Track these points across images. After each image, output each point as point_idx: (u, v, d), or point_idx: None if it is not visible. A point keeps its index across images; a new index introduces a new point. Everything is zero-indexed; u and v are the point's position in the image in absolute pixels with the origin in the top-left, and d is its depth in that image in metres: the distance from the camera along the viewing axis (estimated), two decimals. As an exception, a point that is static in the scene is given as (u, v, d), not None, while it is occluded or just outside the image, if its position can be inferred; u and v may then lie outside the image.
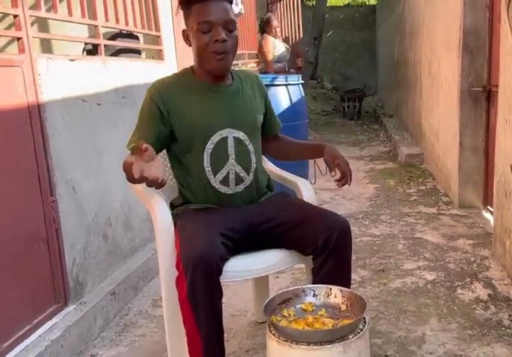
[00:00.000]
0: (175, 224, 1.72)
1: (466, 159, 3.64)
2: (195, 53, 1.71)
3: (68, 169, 2.14)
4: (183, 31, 1.74)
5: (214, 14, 1.63)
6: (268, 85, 3.28)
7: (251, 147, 1.77)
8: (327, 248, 1.60)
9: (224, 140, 1.71)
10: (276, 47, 5.76)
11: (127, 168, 1.41)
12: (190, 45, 1.72)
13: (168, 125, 1.70)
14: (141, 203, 2.61)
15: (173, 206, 1.84)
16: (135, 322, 2.29)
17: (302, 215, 1.70)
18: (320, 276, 1.62)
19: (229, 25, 1.65)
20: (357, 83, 11.57)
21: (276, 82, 3.90)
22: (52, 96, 2.05)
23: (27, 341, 1.81)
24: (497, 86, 2.82)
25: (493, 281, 2.54)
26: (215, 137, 1.70)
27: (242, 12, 5.44)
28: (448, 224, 3.41)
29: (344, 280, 1.65)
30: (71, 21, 2.29)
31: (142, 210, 2.76)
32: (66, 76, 2.18)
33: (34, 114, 1.93)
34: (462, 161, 3.65)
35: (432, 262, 2.80)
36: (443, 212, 3.68)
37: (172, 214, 1.74)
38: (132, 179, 1.39)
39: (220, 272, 1.50)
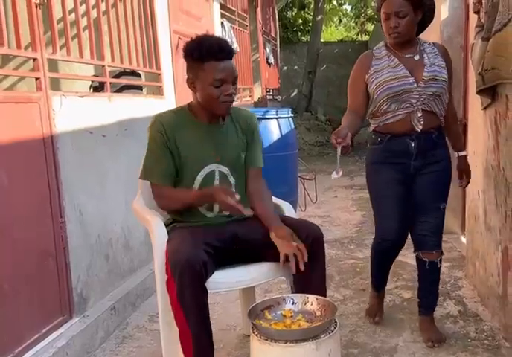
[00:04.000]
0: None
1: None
2: (202, 100, 1.95)
3: (75, 194, 2.38)
4: (187, 79, 1.96)
5: (227, 72, 1.89)
6: (260, 119, 3.56)
7: (232, 180, 2.06)
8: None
9: (211, 173, 2.01)
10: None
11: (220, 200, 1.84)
12: (196, 92, 1.96)
13: (172, 154, 1.98)
14: (139, 227, 2.88)
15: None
16: (132, 335, 2.49)
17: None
18: (298, 279, 1.87)
19: (235, 80, 1.94)
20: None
21: (267, 116, 4.20)
22: (63, 128, 2.31)
23: (36, 348, 2.01)
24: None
25: (464, 299, 2.75)
26: (204, 171, 1.99)
27: (238, 49, 5.77)
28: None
29: (320, 282, 1.91)
30: (82, 62, 2.56)
31: (140, 233, 2.99)
32: (76, 111, 2.44)
33: (48, 145, 2.18)
34: (441, 189, 3.88)
35: (410, 282, 3.01)
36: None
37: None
38: (225, 206, 1.87)
39: (205, 275, 1.74)
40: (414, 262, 3.29)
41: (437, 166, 2.28)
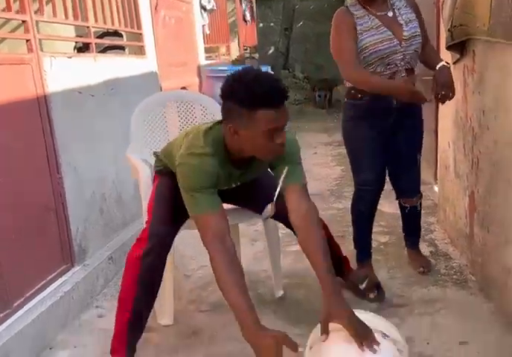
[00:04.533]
0: (155, 177, 2.13)
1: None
2: (247, 148, 1.69)
3: (69, 152, 2.49)
4: (226, 123, 1.66)
5: (282, 119, 1.62)
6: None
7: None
8: None
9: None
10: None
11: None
12: (236, 137, 1.66)
13: None
14: (129, 182, 3.02)
15: (156, 157, 2.18)
16: (130, 282, 2.67)
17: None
18: None
19: (286, 124, 1.66)
20: (328, 73, 11.97)
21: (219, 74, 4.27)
22: (55, 89, 2.40)
23: (44, 293, 2.18)
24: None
25: (436, 241, 2.99)
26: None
27: (215, 8, 5.77)
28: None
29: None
30: (68, 24, 2.63)
31: (131, 187, 3.13)
32: (65, 71, 2.52)
33: (42, 105, 2.28)
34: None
35: (386, 228, 3.23)
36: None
37: (155, 164, 2.16)
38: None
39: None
40: (389, 210, 3.56)
41: (412, 121, 2.44)
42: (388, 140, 2.42)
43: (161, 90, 3.95)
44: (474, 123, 2.40)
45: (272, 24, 13.50)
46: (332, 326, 1.53)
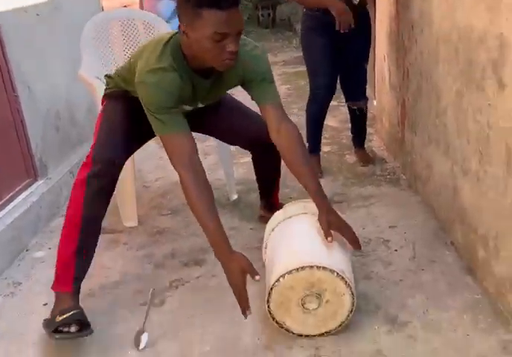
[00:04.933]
0: (102, 101, 2.08)
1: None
2: (196, 52, 1.62)
3: (22, 71, 2.53)
4: (179, 26, 1.62)
5: (232, 25, 1.53)
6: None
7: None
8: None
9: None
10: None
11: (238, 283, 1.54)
12: (187, 39, 1.61)
13: None
14: (81, 102, 3.11)
15: (108, 78, 2.10)
16: (92, 194, 2.84)
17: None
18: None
19: (241, 33, 1.59)
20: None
21: None
22: (2, 7, 2.40)
23: (13, 203, 2.33)
24: None
25: (373, 148, 3.28)
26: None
27: None
28: (345, 112, 4.07)
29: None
30: None
31: (84, 106, 3.21)
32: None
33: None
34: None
35: (329, 140, 3.49)
36: (342, 103, 4.35)
37: (107, 89, 2.07)
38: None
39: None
40: (333, 124, 3.82)
41: (362, 33, 2.78)
42: (339, 50, 2.77)
43: (102, 9, 3.92)
44: (404, 37, 2.60)
45: None
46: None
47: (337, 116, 4.03)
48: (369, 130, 3.59)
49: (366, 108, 3.03)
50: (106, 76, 2.16)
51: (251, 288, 1.59)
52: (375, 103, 4.05)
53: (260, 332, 1.65)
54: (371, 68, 4.19)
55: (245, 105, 2.20)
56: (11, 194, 2.35)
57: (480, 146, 1.71)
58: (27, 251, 2.26)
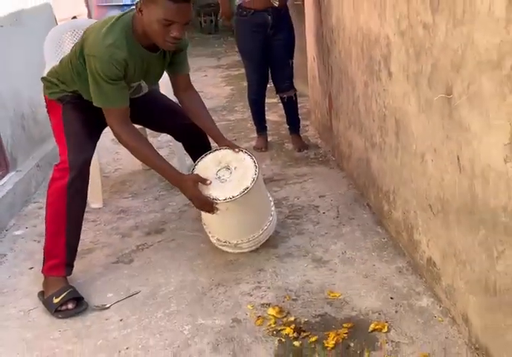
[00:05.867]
0: (53, 105, 2.11)
1: (294, 57, 4.73)
2: (146, 29, 1.82)
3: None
4: (136, 3, 1.83)
5: (181, 15, 1.77)
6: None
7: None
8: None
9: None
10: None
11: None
12: (140, 16, 1.81)
13: None
14: (42, 102, 3.40)
15: (48, 82, 2.12)
16: (59, 184, 3.16)
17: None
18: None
19: (187, 24, 1.82)
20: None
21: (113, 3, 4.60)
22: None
23: (-11, 191, 2.64)
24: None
25: (308, 137, 3.74)
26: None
27: None
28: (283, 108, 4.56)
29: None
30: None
31: (44, 109, 3.50)
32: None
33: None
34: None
35: (271, 132, 3.91)
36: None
37: (49, 91, 2.11)
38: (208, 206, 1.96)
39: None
40: (273, 119, 4.26)
41: (285, 33, 3.32)
42: (267, 48, 3.29)
43: (55, 20, 4.21)
44: (327, 40, 3.07)
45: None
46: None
47: (277, 111, 4.47)
48: (305, 122, 4.07)
49: (296, 97, 3.53)
50: (43, 79, 2.17)
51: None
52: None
53: (213, 275, 2.05)
54: (305, 68, 4.68)
55: (168, 98, 2.43)
56: (-13, 183, 2.66)
57: (380, 122, 2.17)
58: (6, 230, 2.57)
